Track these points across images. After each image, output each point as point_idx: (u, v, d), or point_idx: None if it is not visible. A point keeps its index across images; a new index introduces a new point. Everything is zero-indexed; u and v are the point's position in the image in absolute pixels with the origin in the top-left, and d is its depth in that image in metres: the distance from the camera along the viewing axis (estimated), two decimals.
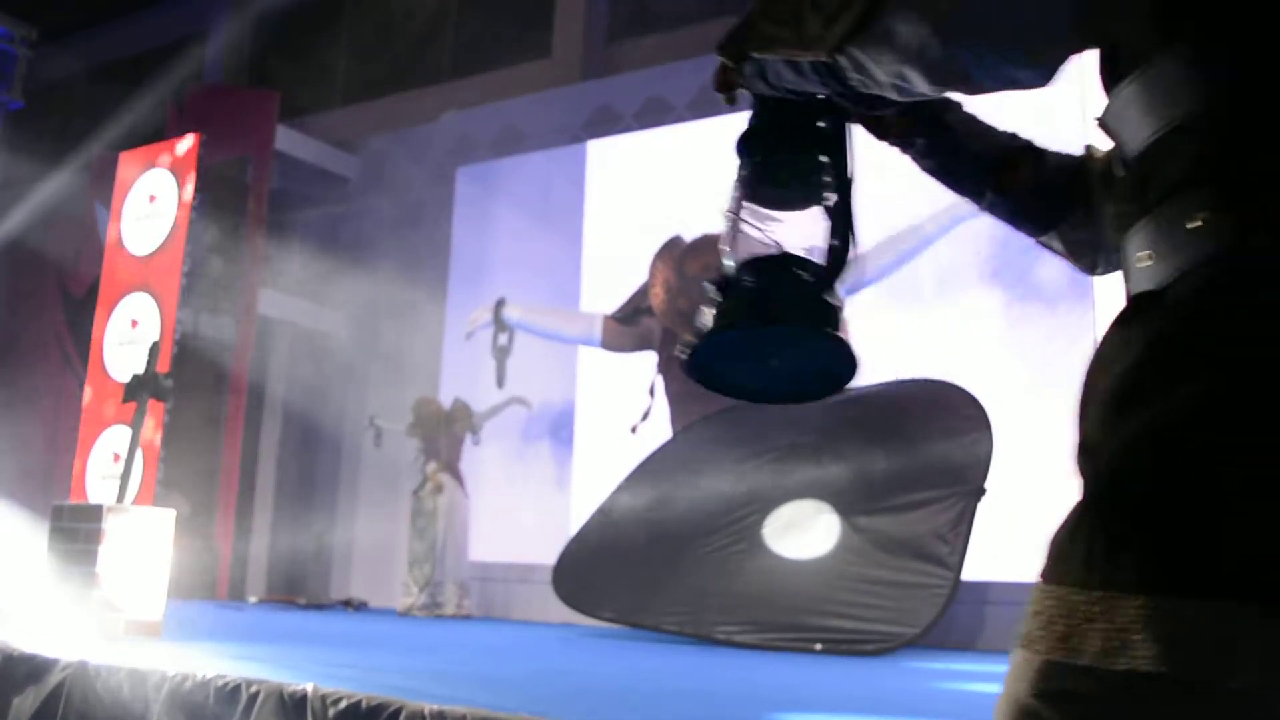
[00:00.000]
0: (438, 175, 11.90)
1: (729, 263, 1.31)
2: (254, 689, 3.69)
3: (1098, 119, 1.07)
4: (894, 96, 1.14)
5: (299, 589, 11.61)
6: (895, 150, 1.43)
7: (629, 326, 10.44)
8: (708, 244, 10.11)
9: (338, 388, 12.15)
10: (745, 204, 1.33)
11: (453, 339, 11.52)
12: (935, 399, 7.52)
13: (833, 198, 1.32)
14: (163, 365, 5.91)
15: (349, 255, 11.99)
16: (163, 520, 5.52)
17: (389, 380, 11.53)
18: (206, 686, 3.79)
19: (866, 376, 8.71)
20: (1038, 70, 1.05)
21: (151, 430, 7.16)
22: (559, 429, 10.62)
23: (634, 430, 10.12)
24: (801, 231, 1.29)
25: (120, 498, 5.70)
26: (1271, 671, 0.77)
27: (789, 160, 1.34)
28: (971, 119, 1.44)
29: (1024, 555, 8.13)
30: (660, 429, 9.98)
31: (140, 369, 5.97)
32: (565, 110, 11.34)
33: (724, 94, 1.34)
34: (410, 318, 11.57)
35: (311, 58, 14.38)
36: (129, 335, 11.16)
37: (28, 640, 4.50)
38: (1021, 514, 7.97)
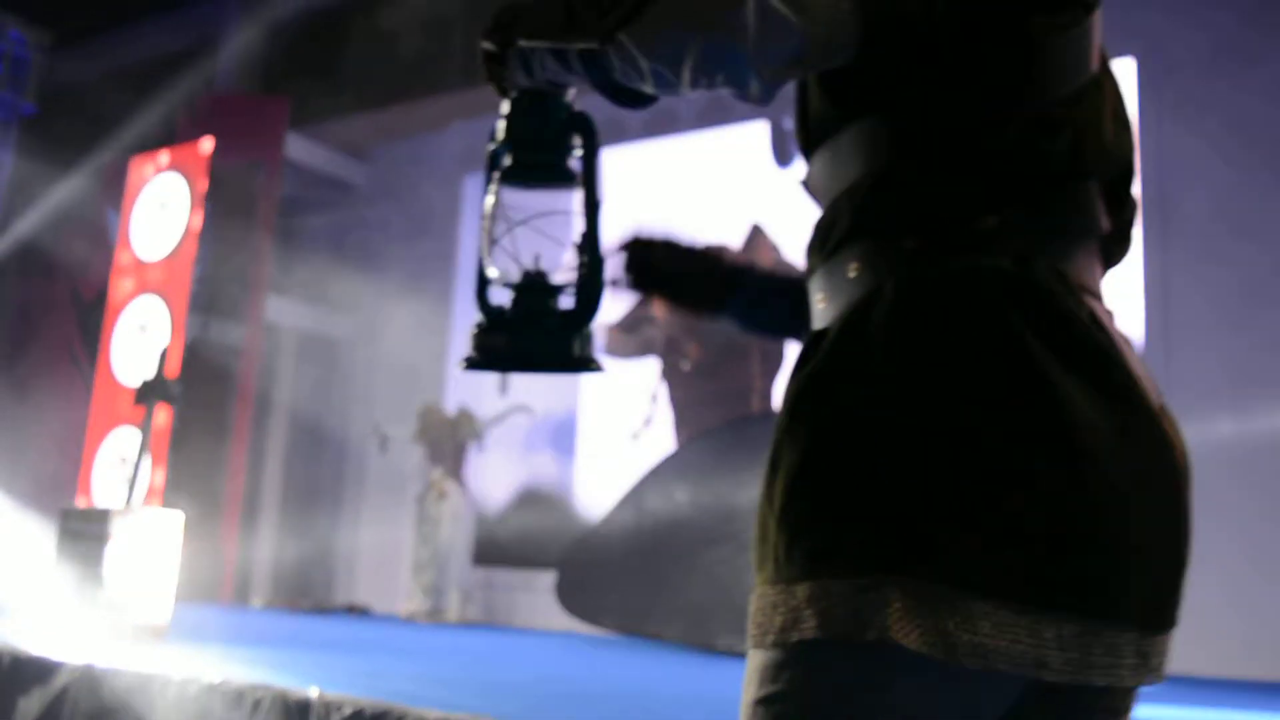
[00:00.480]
0: (446, 183, 11.96)
1: (489, 271, 1.34)
2: (258, 694, 3.74)
3: (801, 181, 1.31)
4: (650, 90, 1.24)
5: (303, 593, 11.66)
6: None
7: (631, 334, 10.50)
8: (758, 239, 10.15)
9: (344, 394, 12.21)
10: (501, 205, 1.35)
11: (458, 347, 11.58)
12: None
13: (582, 223, 1.35)
14: (172, 370, 5.96)
15: (357, 262, 12.05)
16: (170, 523, 5.58)
17: (395, 387, 11.58)
18: (211, 691, 3.84)
19: None
20: (768, 91, 1.16)
21: (159, 434, 7.20)
22: (563, 436, 10.68)
23: (636, 437, 10.18)
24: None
25: (128, 500, 5.76)
26: (886, 628, 1.02)
27: (540, 163, 1.37)
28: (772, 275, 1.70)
29: None
30: (663, 435, 10.04)
31: (150, 373, 6.02)
32: None
33: (495, 86, 1.38)
34: (416, 325, 11.62)
35: (322, 65, 14.46)
36: (138, 338, 11.24)
37: (35, 642, 4.55)
38: None
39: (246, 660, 4.63)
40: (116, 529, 5.35)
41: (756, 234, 9.93)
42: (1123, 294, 8.45)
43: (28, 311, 14.91)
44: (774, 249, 9.85)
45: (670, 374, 10.18)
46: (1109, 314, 1.20)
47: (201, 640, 5.63)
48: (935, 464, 1.04)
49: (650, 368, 10.31)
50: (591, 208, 1.35)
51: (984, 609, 1.01)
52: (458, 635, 8.17)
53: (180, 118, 12.48)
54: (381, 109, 13.73)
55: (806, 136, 1.28)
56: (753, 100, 1.18)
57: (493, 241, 1.34)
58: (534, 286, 1.32)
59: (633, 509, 8.15)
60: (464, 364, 1.35)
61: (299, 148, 12.23)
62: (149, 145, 12.25)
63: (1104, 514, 1.05)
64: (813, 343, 1.19)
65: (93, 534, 5.42)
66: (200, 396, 10.21)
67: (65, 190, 12.75)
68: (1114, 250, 1.29)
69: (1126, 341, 1.17)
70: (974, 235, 1.14)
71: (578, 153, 1.39)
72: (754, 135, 10.09)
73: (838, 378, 1.12)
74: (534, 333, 1.32)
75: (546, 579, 8.90)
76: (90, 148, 13.55)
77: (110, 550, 5.32)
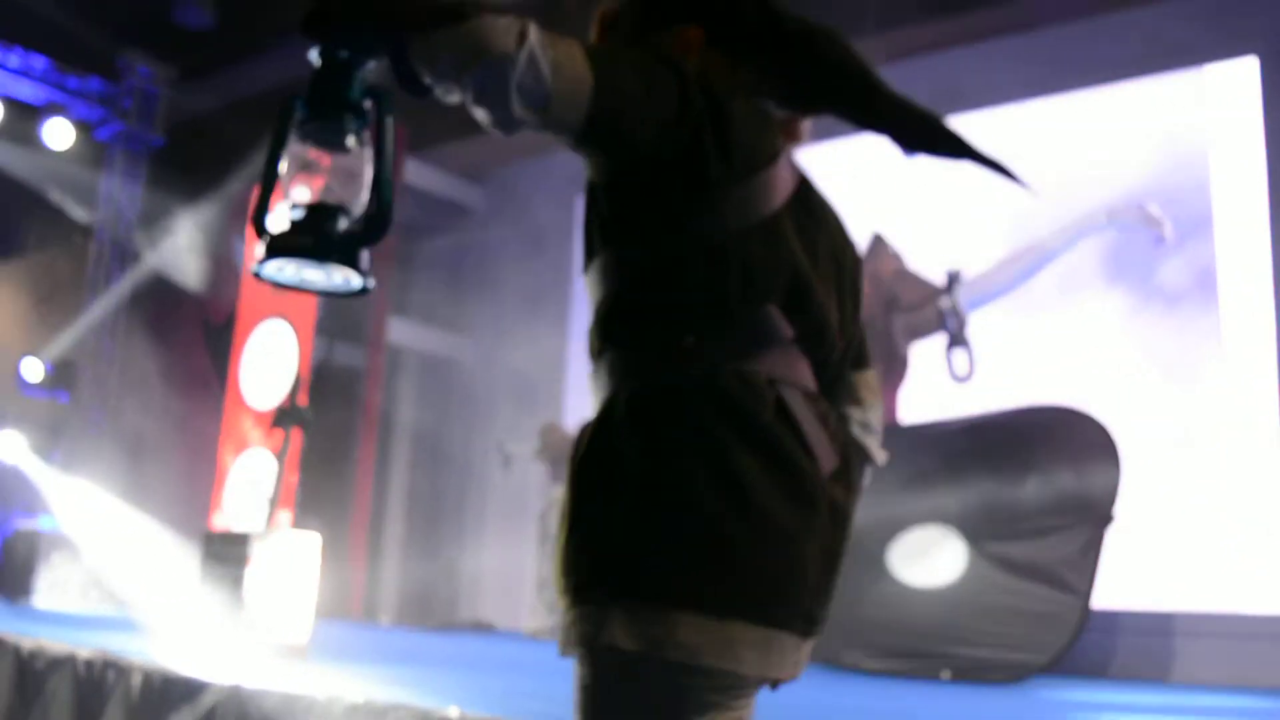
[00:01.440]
0: (559, 203, 12.09)
1: (291, 203, 1.56)
2: (400, 713, 3.82)
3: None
4: (440, 92, 1.50)
5: (429, 611, 11.86)
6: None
7: None
8: (879, 247, 10.10)
9: (465, 413, 12.39)
10: (301, 150, 1.57)
11: (576, 364, 11.69)
12: (1065, 427, 7.46)
13: (369, 168, 1.58)
14: (302, 395, 6.14)
15: (475, 283, 12.24)
16: (308, 545, 5.73)
17: (515, 405, 11.73)
18: (355, 710, 3.95)
19: (995, 393, 8.68)
20: (513, 125, 1.47)
21: (291, 456, 7.39)
22: None
23: None
24: (350, 187, 1.56)
25: (267, 523, 5.94)
26: (614, 636, 1.40)
27: (336, 118, 1.57)
28: None
29: (1154, 583, 8.03)
30: None
31: (283, 399, 6.19)
32: None
33: (314, 38, 1.58)
34: (534, 343, 11.76)
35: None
36: (266, 363, 11.54)
37: (183, 662, 4.71)
38: (1152, 542, 7.90)
39: (385, 679, 4.74)
40: (257, 551, 5.51)
41: (878, 243, 9.87)
42: (1253, 285, 8.29)
43: (160, 337, 15.38)
44: (895, 256, 9.78)
45: None
46: (807, 394, 1.56)
47: (339, 659, 5.76)
48: (649, 523, 1.44)
49: None
50: (380, 159, 1.59)
51: (683, 618, 1.40)
52: None
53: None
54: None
55: (585, 260, 1.64)
56: (499, 129, 1.46)
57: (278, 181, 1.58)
58: (325, 207, 1.55)
59: None
60: (255, 266, 1.60)
61: (416, 172, 12.46)
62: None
63: (774, 553, 1.46)
64: (585, 429, 1.58)
65: (234, 556, 5.59)
66: (326, 419, 10.45)
67: (194, 219, 13.14)
68: (817, 342, 1.61)
69: (819, 417, 1.55)
70: (679, 352, 1.51)
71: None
72: (867, 146, 10.01)
73: (592, 458, 1.53)
74: (324, 240, 1.54)
75: None
76: (217, 177, 13.96)
77: (251, 572, 5.48)
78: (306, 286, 1.63)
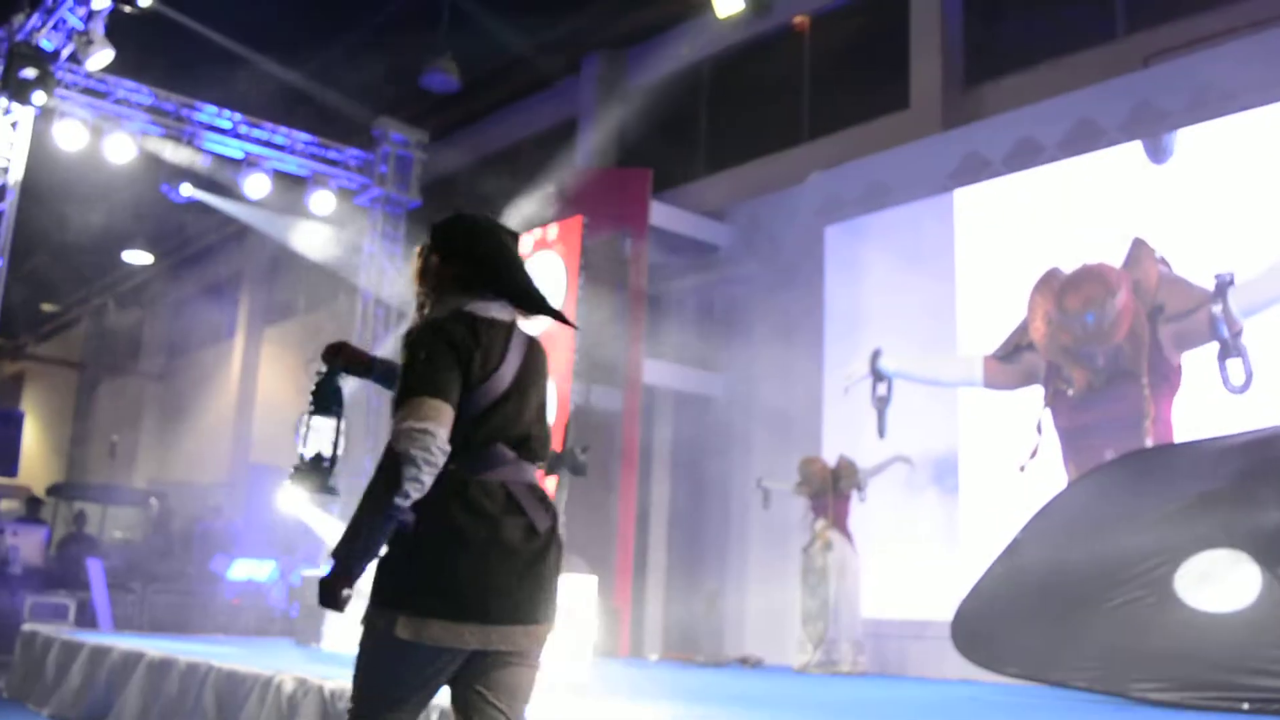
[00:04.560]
0: (807, 235, 12.08)
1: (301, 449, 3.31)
2: None
3: None
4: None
5: (694, 646, 11.92)
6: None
7: (1011, 364, 10.24)
8: (1087, 275, 9.81)
9: (722, 450, 12.46)
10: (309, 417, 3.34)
11: (832, 396, 11.62)
12: None
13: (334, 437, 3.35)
14: (557, 440, 6.27)
15: (725, 320, 12.33)
16: (584, 586, 5.86)
17: (772, 440, 11.73)
18: None
19: (1275, 404, 8.21)
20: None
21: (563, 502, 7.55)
22: (944, 476, 10.51)
23: (1023, 469, 9.90)
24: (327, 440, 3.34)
25: None
26: (396, 630, 2.66)
27: (326, 408, 3.34)
28: None
29: None
30: (1050, 466, 9.72)
31: (558, 446, 6.34)
32: (930, 161, 11.30)
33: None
34: (789, 377, 11.75)
35: (675, 132, 14.95)
36: None
37: None
38: None
39: (668, 716, 4.79)
40: None
41: (1139, 246, 9.50)
42: None
43: None
44: (1159, 260, 9.38)
45: (1055, 401, 9.86)
46: (529, 485, 2.81)
47: (620, 695, 5.86)
48: (416, 562, 2.69)
49: (1033, 397, 10.02)
50: (336, 432, 3.34)
51: (435, 622, 2.64)
52: (856, 687, 8.15)
53: (551, 196, 13.17)
54: (736, 168, 14.05)
55: None
56: None
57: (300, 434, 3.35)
58: (316, 459, 3.31)
59: (1027, 552, 7.90)
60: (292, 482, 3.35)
61: (662, 214, 12.66)
62: (524, 225, 13.00)
63: (487, 580, 2.68)
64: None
65: None
66: (588, 463, 10.68)
67: None
68: (540, 453, 2.90)
69: (537, 499, 2.81)
70: (448, 468, 2.69)
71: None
72: (1122, 155, 9.69)
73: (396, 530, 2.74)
74: (312, 474, 3.33)
75: (938, 627, 8.75)
76: None
77: None
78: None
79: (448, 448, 2.65)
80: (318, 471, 3.27)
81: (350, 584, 2.66)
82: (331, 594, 2.66)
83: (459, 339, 2.75)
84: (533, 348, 2.93)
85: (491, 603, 2.67)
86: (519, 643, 2.72)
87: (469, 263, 2.91)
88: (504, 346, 2.82)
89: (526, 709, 2.83)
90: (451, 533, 2.68)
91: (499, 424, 2.79)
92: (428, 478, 2.62)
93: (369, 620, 2.71)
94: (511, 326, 2.89)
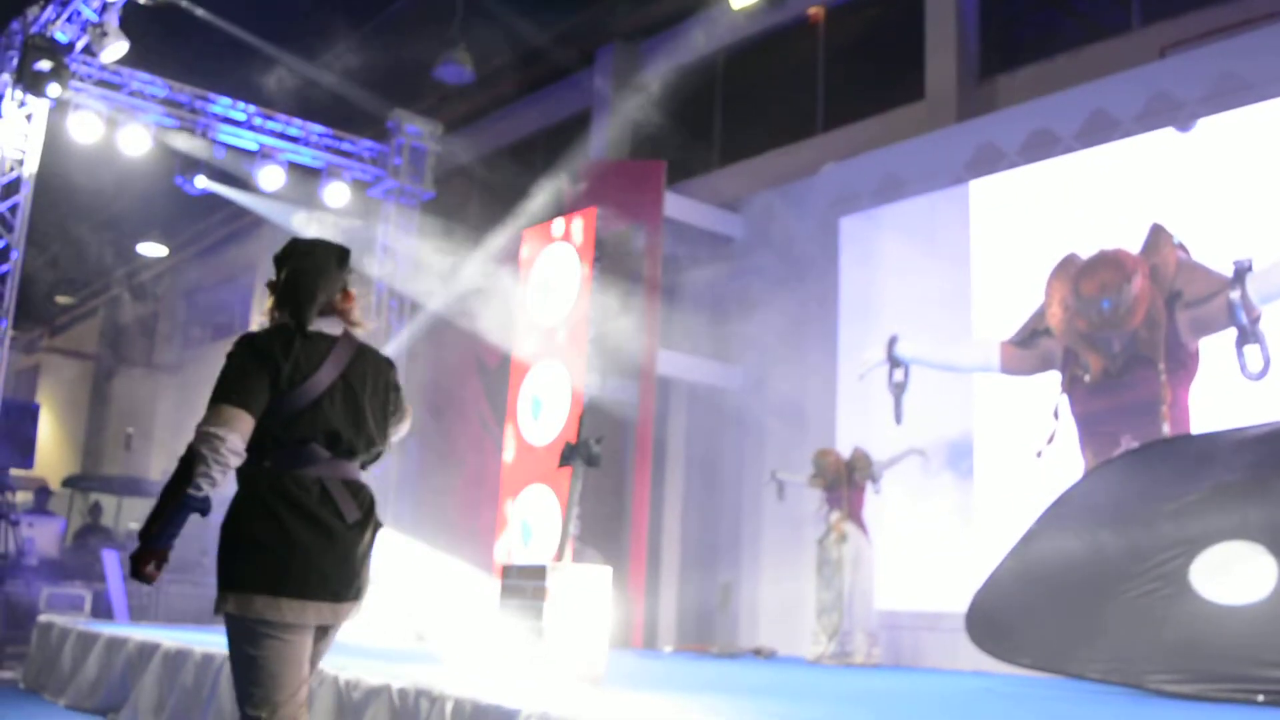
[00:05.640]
0: (821, 227, 12.05)
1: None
2: None
3: None
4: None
5: (708, 638, 11.93)
6: None
7: (1027, 350, 10.22)
8: (1103, 261, 9.78)
9: (736, 442, 12.45)
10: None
11: (846, 387, 11.60)
12: None
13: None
14: (571, 431, 6.29)
15: (739, 312, 12.30)
16: (599, 577, 5.86)
17: (786, 432, 11.72)
18: None
19: None
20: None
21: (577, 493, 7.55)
22: (959, 463, 10.49)
23: (1039, 455, 9.88)
24: None
25: (559, 556, 6.10)
26: (230, 607, 3.17)
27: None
28: None
29: None
30: (1067, 452, 9.70)
31: (571, 436, 6.36)
32: (945, 152, 11.26)
33: None
34: (803, 369, 11.73)
35: (689, 124, 14.93)
36: (541, 401, 11.89)
37: (491, 691, 4.87)
38: None
39: (685, 707, 4.78)
40: (553, 584, 5.67)
41: (1157, 232, 9.46)
42: None
43: (439, 381, 16.05)
44: (1177, 246, 9.34)
45: (1071, 387, 9.84)
46: (345, 480, 3.31)
47: (634, 687, 5.86)
48: (239, 547, 3.19)
49: (1050, 382, 9.99)
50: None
51: (258, 597, 3.12)
52: (870, 678, 8.15)
53: (565, 188, 13.17)
54: (750, 160, 14.03)
55: None
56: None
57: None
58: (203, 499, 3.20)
59: (1042, 543, 7.88)
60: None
61: (675, 205, 12.64)
62: (539, 216, 13.00)
63: (301, 562, 3.16)
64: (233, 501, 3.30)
65: (532, 589, 5.76)
66: (602, 454, 10.68)
67: (465, 265, 13.65)
68: (357, 451, 3.38)
69: (351, 493, 3.31)
70: (264, 465, 3.22)
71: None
72: (1149, 142, 9.64)
73: (227, 517, 3.24)
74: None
75: (952, 619, 8.74)
76: (484, 224, 14.51)
77: (549, 604, 5.64)
78: None
79: (240, 448, 3.14)
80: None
81: (154, 559, 3.11)
82: (138, 568, 3.11)
83: (266, 351, 3.24)
84: (360, 357, 3.42)
85: (306, 581, 3.16)
86: (327, 617, 3.22)
87: (282, 283, 3.44)
88: (322, 357, 3.30)
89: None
90: (268, 520, 3.17)
91: (312, 425, 3.26)
92: (218, 473, 3.09)
93: (216, 601, 3.20)
94: (337, 339, 3.38)
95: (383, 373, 3.50)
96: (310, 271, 3.42)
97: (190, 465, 3.08)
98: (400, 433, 3.68)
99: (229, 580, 3.16)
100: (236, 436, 3.12)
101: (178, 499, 3.08)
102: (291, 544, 3.16)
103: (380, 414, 3.46)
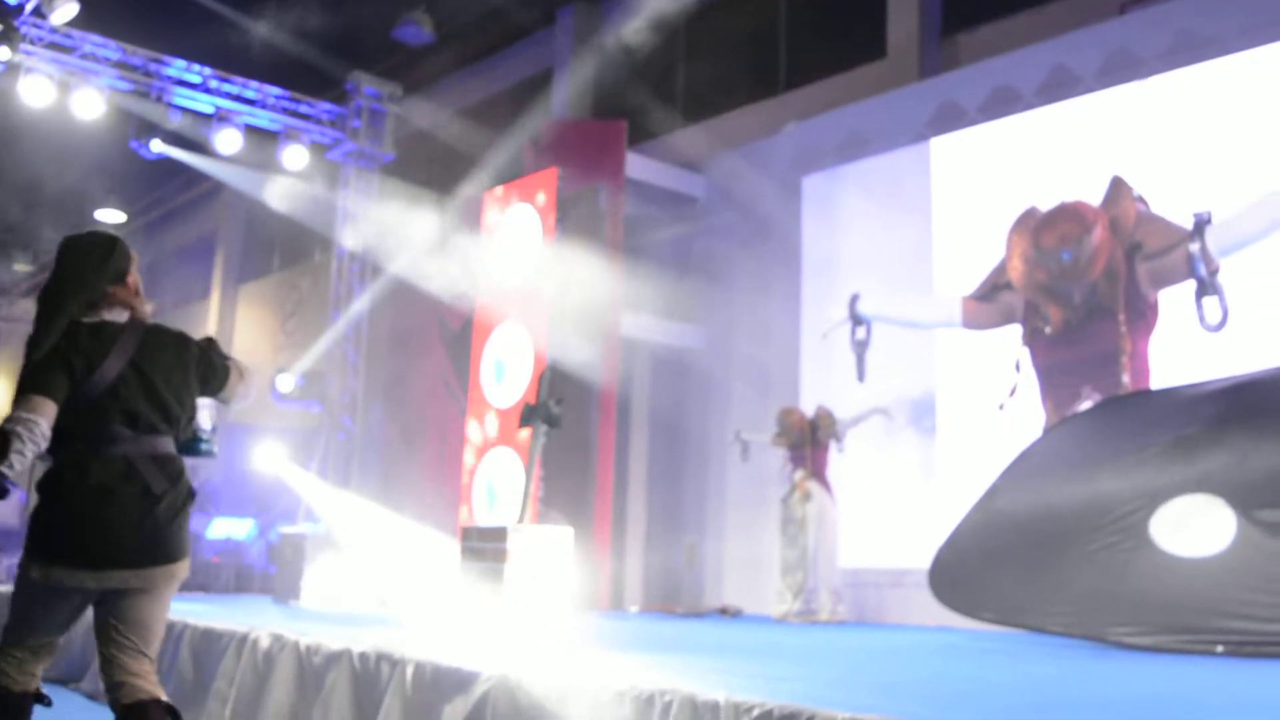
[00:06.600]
0: (783, 186, 12.00)
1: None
2: (667, 698, 3.84)
3: None
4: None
5: (674, 598, 11.96)
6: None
7: (989, 304, 10.25)
8: (1063, 213, 9.82)
9: (700, 402, 12.44)
10: None
11: (810, 346, 11.60)
12: None
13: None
14: (547, 393, 6.24)
15: (702, 273, 12.26)
16: (560, 538, 5.84)
17: (750, 392, 11.72)
18: (622, 696, 3.98)
19: (1252, 345, 8.22)
20: None
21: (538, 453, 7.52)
22: (921, 418, 10.53)
23: (1001, 408, 9.92)
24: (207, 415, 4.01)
25: (520, 518, 6.07)
26: (32, 573, 3.49)
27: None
28: None
29: None
30: (1029, 405, 9.75)
31: (531, 397, 6.31)
32: (907, 110, 11.23)
33: None
34: (766, 329, 11.71)
35: (651, 83, 14.83)
36: (503, 363, 11.83)
37: (452, 654, 4.85)
38: None
39: (646, 666, 4.78)
40: (513, 545, 5.65)
41: (1117, 185, 9.49)
42: None
43: (402, 344, 15.95)
44: (1136, 198, 9.37)
45: (1033, 340, 9.88)
46: (154, 455, 3.59)
47: (597, 647, 5.85)
48: (44, 522, 3.48)
49: (1012, 336, 10.03)
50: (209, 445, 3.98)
51: (55, 566, 3.43)
52: (834, 635, 8.18)
53: (525, 149, 13.06)
54: (712, 119, 13.94)
55: None
56: None
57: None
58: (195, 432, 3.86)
59: (1004, 498, 7.91)
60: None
61: (638, 166, 12.56)
62: (499, 178, 12.89)
63: (97, 533, 3.46)
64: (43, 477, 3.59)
65: (492, 551, 5.74)
66: (564, 414, 10.64)
67: (425, 228, 13.54)
68: (159, 427, 3.63)
69: (158, 469, 3.58)
70: (75, 448, 3.51)
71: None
72: (1110, 97, 9.64)
73: (38, 493, 3.56)
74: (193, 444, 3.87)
75: (916, 575, 8.78)
76: (444, 186, 14.40)
77: (510, 565, 5.61)
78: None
79: (48, 431, 3.42)
80: (200, 440, 3.96)
81: None
82: None
83: (59, 348, 3.50)
84: (151, 338, 3.65)
85: (101, 551, 3.47)
86: (130, 582, 3.51)
87: (48, 285, 3.68)
88: (109, 346, 3.55)
89: (158, 636, 3.66)
90: (67, 499, 3.48)
91: (111, 408, 3.53)
92: (29, 452, 3.36)
93: (19, 566, 3.51)
94: (124, 326, 3.61)
95: (178, 348, 3.73)
96: (69, 270, 3.66)
97: (5, 443, 3.34)
98: (240, 391, 3.96)
99: (34, 550, 3.50)
100: (45, 421, 3.41)
101: None
102: (92, 518, 3.47)
103: (181, 388, 3.70)
